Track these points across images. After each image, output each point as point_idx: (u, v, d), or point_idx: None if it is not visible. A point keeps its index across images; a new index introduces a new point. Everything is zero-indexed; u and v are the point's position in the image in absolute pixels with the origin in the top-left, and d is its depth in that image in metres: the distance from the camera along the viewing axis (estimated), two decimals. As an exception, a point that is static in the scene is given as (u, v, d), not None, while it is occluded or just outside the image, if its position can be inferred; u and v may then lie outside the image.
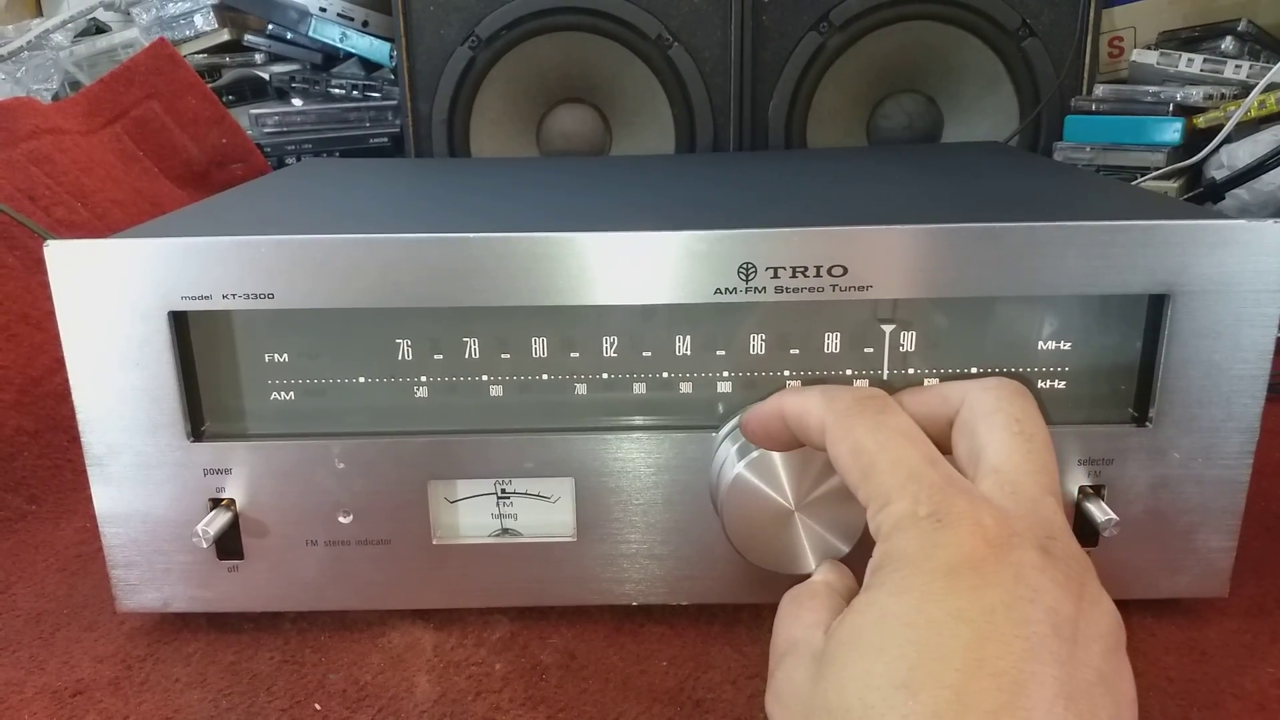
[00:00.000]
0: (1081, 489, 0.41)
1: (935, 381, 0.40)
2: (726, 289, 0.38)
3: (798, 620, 0.32)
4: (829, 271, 0.38)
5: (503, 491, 0.42)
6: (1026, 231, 0.37)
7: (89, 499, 0.41)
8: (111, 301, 0.38)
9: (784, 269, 0.38)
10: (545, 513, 0.42)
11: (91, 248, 0.38)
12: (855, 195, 0.51)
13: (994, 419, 0.31)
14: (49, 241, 0.38)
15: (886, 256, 0.38)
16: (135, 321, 0.39)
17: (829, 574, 0.36)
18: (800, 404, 0.34)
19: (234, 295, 0.38)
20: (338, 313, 0.40)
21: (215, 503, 0.41)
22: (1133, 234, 0.37)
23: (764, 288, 0.38)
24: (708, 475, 0.41)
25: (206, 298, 0.38)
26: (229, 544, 0.42)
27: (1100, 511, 0.40)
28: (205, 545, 0.40)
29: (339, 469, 0.41)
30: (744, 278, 0.38)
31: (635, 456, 0.41)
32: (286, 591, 0.43)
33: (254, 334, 0.41)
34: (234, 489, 0.41)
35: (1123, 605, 0.42)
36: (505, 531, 0.42)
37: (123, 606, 0.43)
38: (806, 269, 0.38)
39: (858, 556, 0.31)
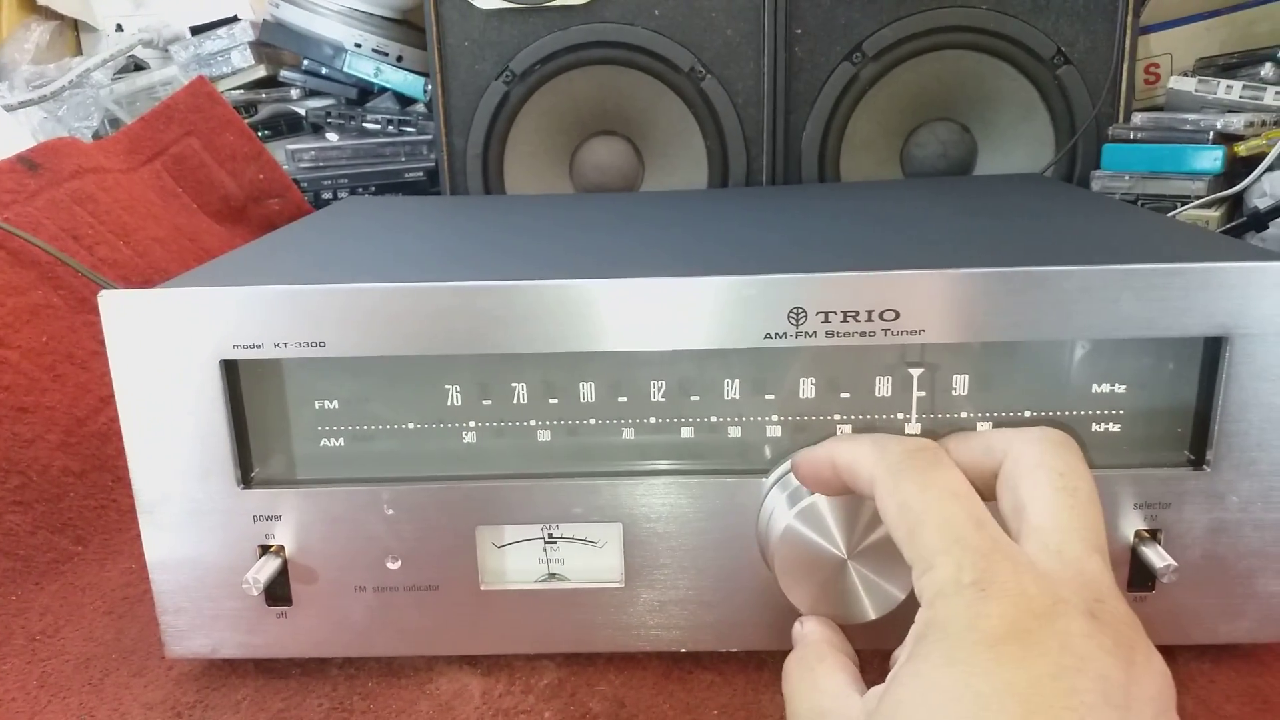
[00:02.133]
0: (1138, 533, 0.40)
1: (988, 426, 0.40)
2: (776, 333, 0.38)
3: (816, 689, 0.32)
4: (880, 316, 0.38)
5: (550, 536, 0.42)
6: (1080, 275, 0.37)
7: (134, 539, 0.41)
8: (164, 350, 0.39)
9: (835, 313, 0.38)
10: (593, 558, 0.42)
11: (146, 297, 0.38)
12: (899, 234, 0.51)
13: (1037, 474, 0.30)
14: (103, 291, 0.38)
15: (940, 301, 0.37)
16: (188, 370, 0.39)
17: (821, 628, 0.36)
18: (851, 454, 0.34)
19: (286, 344, 0.39)
20: (387, 359, 0.40)
21: (264, 549, 0.41)
22: (1189, 276, 0.37)
23: (814, 332, 0.38)
24: (756, 522, 0.40)
25: (258, 346, 0.39)
26: (278, 590, 0.42)
27: (1158, 557, 0.39)
28: (256, 593, 0.40)
29: (388, 515, 0.41)
30: (794, 322, 0.38)
31: (683, 502, 0.41)
32: (335, 637, 0.42)
33: (304, 381, 0.41)
34: (283, 535, 0.41)
35: (1181, 651, 0.42)
36: (552, 577, 0.42)
37: (171, 652, 0.43)
38: (858, 313, 0.38)
39: (911, 605, 0.31)
